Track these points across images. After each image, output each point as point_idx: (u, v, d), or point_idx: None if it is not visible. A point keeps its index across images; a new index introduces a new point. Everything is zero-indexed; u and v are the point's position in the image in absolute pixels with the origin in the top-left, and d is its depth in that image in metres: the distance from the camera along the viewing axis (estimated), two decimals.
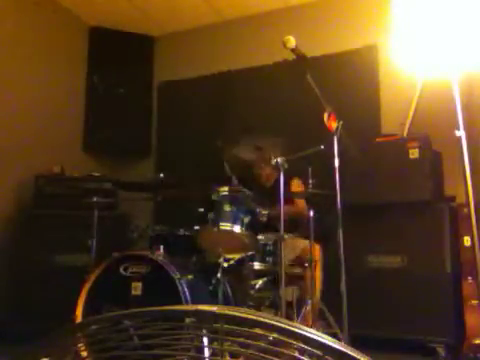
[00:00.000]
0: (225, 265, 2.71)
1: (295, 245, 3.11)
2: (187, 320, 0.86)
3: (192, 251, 2.91)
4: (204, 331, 0.83)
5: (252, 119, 4.25)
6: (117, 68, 4.67)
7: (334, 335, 2.49)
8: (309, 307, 2.82)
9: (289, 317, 2.79)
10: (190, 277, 2.53)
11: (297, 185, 3.36)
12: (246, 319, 0.79)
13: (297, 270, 3.08)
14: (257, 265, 2.84)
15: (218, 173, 3.19)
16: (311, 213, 2.90)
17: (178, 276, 2.42)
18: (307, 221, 2.86)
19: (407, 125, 3.44)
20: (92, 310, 2.49)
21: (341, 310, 2.26)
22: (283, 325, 0.77)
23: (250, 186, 2.96)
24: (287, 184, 3.31)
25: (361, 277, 3.09)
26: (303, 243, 3.09)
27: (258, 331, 0.79)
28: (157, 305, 0.90)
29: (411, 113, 3.44)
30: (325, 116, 2.40)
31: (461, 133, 1.87)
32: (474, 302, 2.83)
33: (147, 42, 4.89)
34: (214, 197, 2.74)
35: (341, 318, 2.28)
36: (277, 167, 2.61)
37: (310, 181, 2.90)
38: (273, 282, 2.89)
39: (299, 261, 3.10)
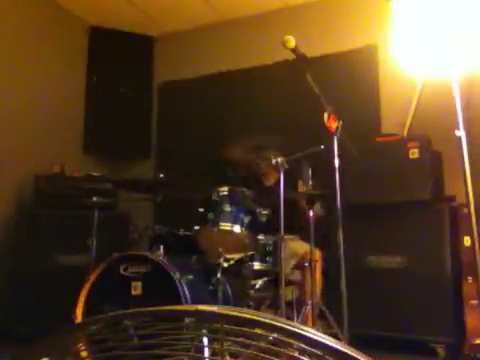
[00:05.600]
0: (225, 265, 2.71)
1: (294, 252, 3.10)
2: (187, 320, 0.86)
3: (192, 251, 2.91)
4: (204, 331, 0.83)
5: (252, 119, 4.25)
6: (117, 68, 4.67)
7: (334, 335, 2.49)
8: (309, 307, 2.82)
9: (289, 317, 2.79)
10: (190, 277, 2.52)
11: (302, 188, 3.35)
12: (246, 319, 0.79)
13: (297, 276, 3.09)
14: (257, 265, 2.84)
15: (218, 173, 3.19)
16: (311, 213, 2.90)
17: (178, 276, 2.42)
18: (307, 221, 2.86)
19: (407, 125, 3.44)
20: (92, 310, 2.48)
21: (341, 310, 2.26)
22: (283, 325, 0.77)
23: (250, 185, 2.96)
24: (294, 187, 3.32)
25: (361, 277, 3.09)
26: (302, 249, 3.08)
27: (258, 331, 0.79)
28: (157, 305, 0.89)
29: (411, 113, 3.44)
30: (325, 116, 2.40)
31: (461, 133, 1.87)
32: (474, 302, 2.83)
33: (147, 42, 4.89)
34: (214, 197, 2.74)
35: (341, 318, 2.28)
36: (277, 167, 2.61)
37: (310, 182, 2.90)
38: (273, 282, 2.89)
39: (299, 265, 3.10)
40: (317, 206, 3.11)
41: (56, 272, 3.42)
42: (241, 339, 0.81)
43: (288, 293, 2.91)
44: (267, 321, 0.77)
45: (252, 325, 0.78)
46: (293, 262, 3.09)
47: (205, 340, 0.83)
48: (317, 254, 3.06)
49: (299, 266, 3.10)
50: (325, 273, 3.14)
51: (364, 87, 3.95)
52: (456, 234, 2.97)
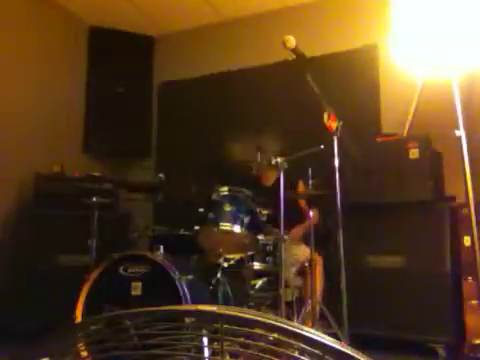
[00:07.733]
0: (225, 265, 2.71)
1: (296, 258, 3.10)
2: (187, 320, 0.86)
3: (192, 251, 2.91)
4: (204, 331, 0.83)
5: (252, 119, 4.25)
6: (117, 68, 4.67)
7: (334, 335, 2.49)
8: (309, 307, 2.82)
9: (289, 317, 2.79)
10: (190, 277, 2.52)
11: (303, 188, 3.35)
12: (246, 319, 0.79)
13: (299, 282, 3.09)
14: (257, 265, 2.84)
15: (217, 173, 3.19)
16: (311, 213, 2.90)
17: (178, 276, 2.42)
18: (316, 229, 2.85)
19: (407, 125, 3.44)
20: (92, 310, 2.48)
21: (341, 310, 2.26)
22: (283, 325, 0.77)
23: (250, 186, 2.95)
24: (294, 187, 3.32)
25: (361, 277, 3.09)
26: (304, 255, 3.07)
27: (258, 331, 0.79)
28: (157, 305, 0.89)
29: (411, 113, 3.44)
30: (325, 116, 2.39)
31: (461, 133, 1.87)
32: (474, 302, 2.83)
33: (147, 42, 4.89)
34: (214, 197, 2.73)
35: (341, 318, 2.28)
36: (277, 167, 2.61)
37: (310, 182, 2.90)
38: (273, 282, 2.88)
39: (300, 270, 3.10)
40: (314, 212, 3.08)
41: (56, 272, 3.42)
42: (241, 339, 0.81)
43: (288, 293, 2.91)
44: (267, 321, 0.77)
45: (252, 325, 0.78)
46: (294, 269, 3.09)
47: (205, 340, 0.83)
48: (318, 257, 3.07)
49: (300, 271, 3.11)
50: (325, 273, 3.14)
51: (364, 87, 3.94)
52: (456, 234, 2.97)
